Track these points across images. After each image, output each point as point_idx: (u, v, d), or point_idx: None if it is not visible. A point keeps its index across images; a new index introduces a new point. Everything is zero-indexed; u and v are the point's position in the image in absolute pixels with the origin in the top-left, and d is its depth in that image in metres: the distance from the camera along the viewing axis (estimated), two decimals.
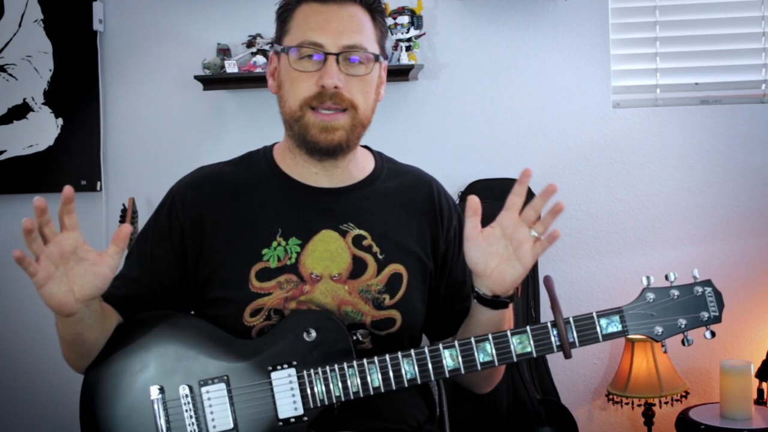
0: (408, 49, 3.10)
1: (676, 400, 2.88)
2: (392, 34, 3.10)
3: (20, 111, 3.42)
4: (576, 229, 3.17)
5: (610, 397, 2.96)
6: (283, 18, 1.67)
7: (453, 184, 3.11)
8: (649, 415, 2.91)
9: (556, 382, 3.03)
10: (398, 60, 3.08)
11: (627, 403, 2.92)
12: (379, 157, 1.79)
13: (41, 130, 3.41)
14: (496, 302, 1.56)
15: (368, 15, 1.66)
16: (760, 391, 2.85)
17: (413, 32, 3.12)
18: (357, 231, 1.66)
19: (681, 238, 3.12)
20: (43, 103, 3.41)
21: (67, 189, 1.41)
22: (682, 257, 3.08)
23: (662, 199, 3.14)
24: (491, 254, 1.52)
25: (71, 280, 1.43)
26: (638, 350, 2.89)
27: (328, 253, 1.64)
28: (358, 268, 1.64)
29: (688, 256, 3.07)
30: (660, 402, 2.88)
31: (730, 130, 3.10)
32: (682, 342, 1.52)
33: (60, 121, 3.41)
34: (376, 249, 1.66)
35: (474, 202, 1.52)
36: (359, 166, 1.74)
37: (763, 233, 3.08)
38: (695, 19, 3.15)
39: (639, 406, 2.91)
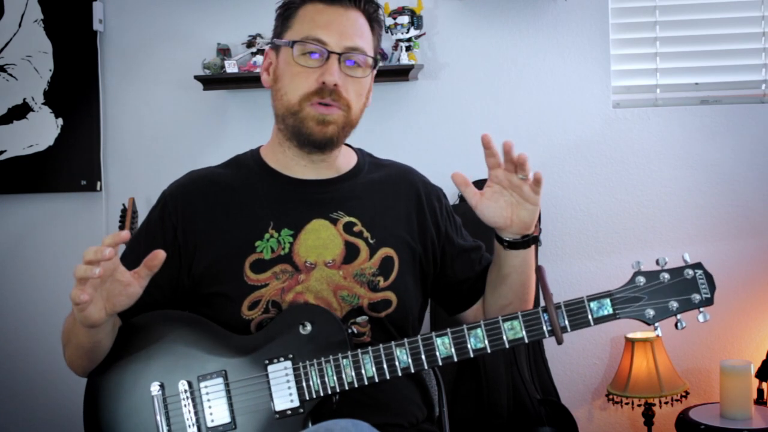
0: (408, 49, 3.10)
1: (676, 400, 2.87)
2: (392, 34, 3.10)
3: (20, 111, 3.42)
4: (576, 229, 3.17)
5: (610, 397, 2.96)
6: (286, 15, 1.71)
7: (453, 184, 3.10)
8: (649, 415, 2.90)
9: (556, 382, 3.02)
10: (398, 60, 3.08)
11: (627, 403, 2.92)
12: (359, 152, 1.84)
13: (41, 130, 3.41)
14: (526, 241, 1.64)
15: (368, 24, 1.71)
16: (760, 391, 2.85)
17: (413, 32, 3.12)
18: (347, 218, 1.71)
19: (681, 238, 3.11)
20: (43, 103, 3.41)
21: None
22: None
23: (662, 199, 3.14)
24: (502, 207, 1.61)
25: (104, 298, 1.47)
26: (638, 350, 2.88)
27: (320, 240, 1.68)
28: (351, 253, 1.68)
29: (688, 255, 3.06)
30: (660, 402, 2.87)
31: (730, 130, 3.10)
32: (675, 325, 1.52)
33: (60, 121, 3.41)
34: (366, 234, 1.70)
35: (459, 176, 1.62)
36: (344, 161, 1.79)
37: (763, 233, 3.08)
38: (695, 19, 3.15)
39: (639, 406, 2.91)
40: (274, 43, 1.73)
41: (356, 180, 1.76)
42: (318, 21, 1.66)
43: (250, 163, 1.78)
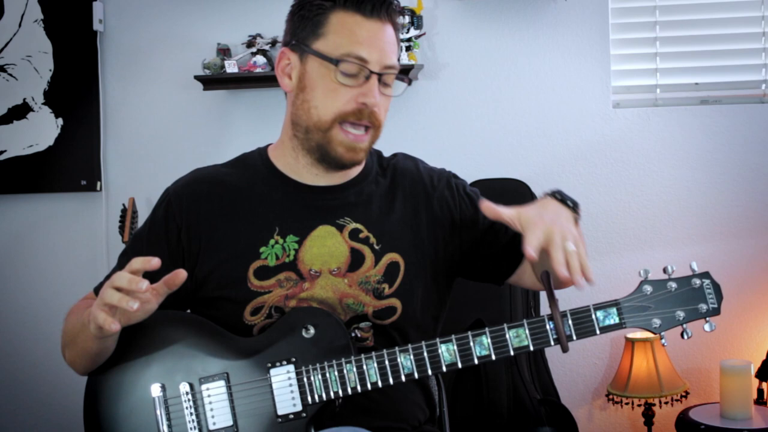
0: (408, 49, 3.10)
1: (676, 400, 2.88)
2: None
3: (20, 111, 3.42)
4: None
5: (610, 397, 2.96)
6: (316, 21, 1.62)
7: None
8: (649, 415, 2.91)
9: (556, 382, 3.02)
10: (398, 60, 3.07)
11: (627, 403, 2.92)
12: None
13: (41, 130, 3.41)
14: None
15: (395, 35, 1.67)
16: (760, 391, 2.85)
17: (413, 32, 3.12)
18: (353, 225, 1.68)
19: (681, 238, 3.12)
20: (43, 103, 3.41)
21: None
22: (682, 257, 3.06)
23: (662, 199, 3.14)
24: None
25: (121, 312, 1.47)
26: (638, 350, 2.88)
27: (325, 248, 1.65)
28: (356, 261, 1.66)
29: (688, 255, 3.06)
30: (660, 402, 2.88)
31: (730, 130, 3.10)
32: (681, 335, 1.52)
33: (60, 121, 3.41)
34: (372, 240, 1.68)
35: (489, 209, 1.53)
36: None
37: (763, 233, 3.08)
38: (695, 19, 3.15)
39: (639, 406, 2.91)
40: (301, 47, 1.64)
41: (364, 184, 1.73)
42: (358, 36, 1.59)
43: (257, 164, 1.74)
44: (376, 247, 1.67)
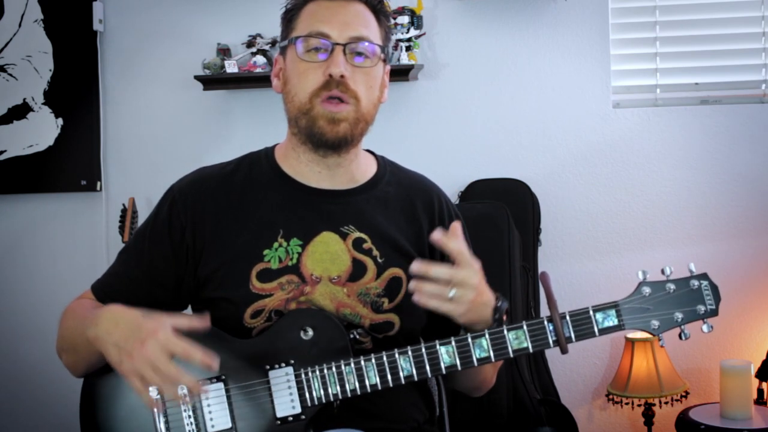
0: (408, 49, 3.10)
1: (676, 400, 2.88)
2: (392, 35, 3.09)
3: (20, 111, 3.42)
4: (576, 229, 3.17)
5: (610, 397, 2.96)
6: (290, 18, 1.69)
7: (453, 184, 3.11)
8: (649, 415, 2.91)
9: (556, 382, 3.02)
10: (398, 60, 3.07)
11: (627, 403, 2.92)
12: (382, 161, 1.79)
13: (41, 130, 3.41)
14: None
15: (373, 15, 1.68)
16: (760, 391, 2.85)
17: (413, 32, 3.12)
18: (357, 234, 1.66)
19: (681, 238, 3.12)
20: (43, 103, 3.41)
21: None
22: (682, 257, 3.04)
23: (662, 199, 3.14)
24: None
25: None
26: (638, 350, 2.88)
27: (328, 255, 1.64)
28: (357, 271, 1.64)
29: (688, 256, 3.06)
30: (660, 402, 2.88)
31: (730, 130, 3.10)
32: (680, 336, 1.52)
33: (60, 121, 3.41)
34: (375, 252, 1.66)
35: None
36: (361, 170, 1.74)
37: (763, 233, 3.08)
38: (695, 19, 3.15)
39: (639, 406, 2.91)
40: (280, 47, 1.71)
41: (371, 193, 1.71)
42: (320, 15, 1.64)
43: (263, 164, 1.73)
44: (380, 261, 1.65)
